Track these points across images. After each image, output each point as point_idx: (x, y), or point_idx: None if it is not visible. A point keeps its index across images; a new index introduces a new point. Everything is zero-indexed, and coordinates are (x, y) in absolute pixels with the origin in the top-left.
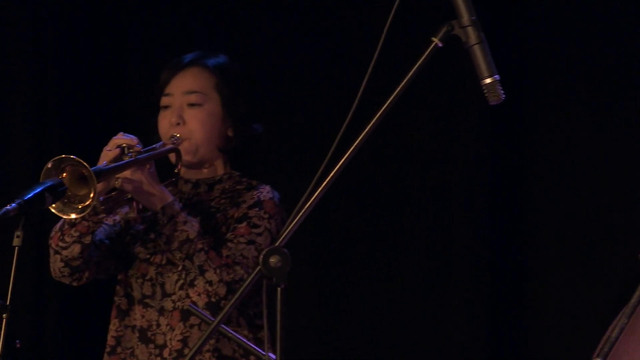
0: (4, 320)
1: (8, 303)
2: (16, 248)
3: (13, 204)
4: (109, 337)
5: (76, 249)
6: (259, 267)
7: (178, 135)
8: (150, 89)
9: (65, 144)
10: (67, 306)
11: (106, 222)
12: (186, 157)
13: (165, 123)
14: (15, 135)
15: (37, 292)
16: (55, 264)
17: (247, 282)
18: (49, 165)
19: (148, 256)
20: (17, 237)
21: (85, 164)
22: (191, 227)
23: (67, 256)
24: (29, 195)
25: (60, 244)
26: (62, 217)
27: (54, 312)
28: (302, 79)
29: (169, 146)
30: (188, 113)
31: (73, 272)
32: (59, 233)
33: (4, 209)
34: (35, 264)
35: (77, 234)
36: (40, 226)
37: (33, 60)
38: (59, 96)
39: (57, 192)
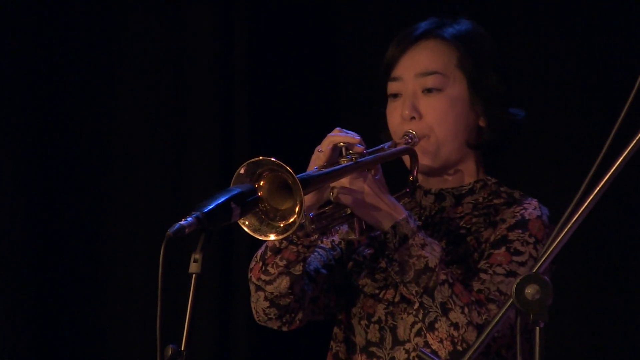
0: None
1: (183, 349)
2: (194, 276)
3: (189, 218)
4: None
5: (284, 282)
6: (510, 300)
7: (413, 132)
8: (369, 73)
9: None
10: (260, 352)
11: (321, 244)
12: (424, 160)
13: (396, 117)
14: (200, 137)
15: (222, 333)
16: (259, 304)
17: (496, 319)
18: (242, 170)
19: (377, 291)
20: (195, 261)
21: (288, 168)
22: (431, 251)
23: (272, 292)
24: (210, 207)
25: (263, 277)
26: (259, 239)
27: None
28: (567, 68)
29: (401, 146)
30: (424, 102)
31: (282, 313)
32: (260, 263)
33: (177, 225)
34: (219, 296)
35: (283, 262)
36: (226, 247)
37: (220, 53)
38: (248, 91)
39: (247, 203)
